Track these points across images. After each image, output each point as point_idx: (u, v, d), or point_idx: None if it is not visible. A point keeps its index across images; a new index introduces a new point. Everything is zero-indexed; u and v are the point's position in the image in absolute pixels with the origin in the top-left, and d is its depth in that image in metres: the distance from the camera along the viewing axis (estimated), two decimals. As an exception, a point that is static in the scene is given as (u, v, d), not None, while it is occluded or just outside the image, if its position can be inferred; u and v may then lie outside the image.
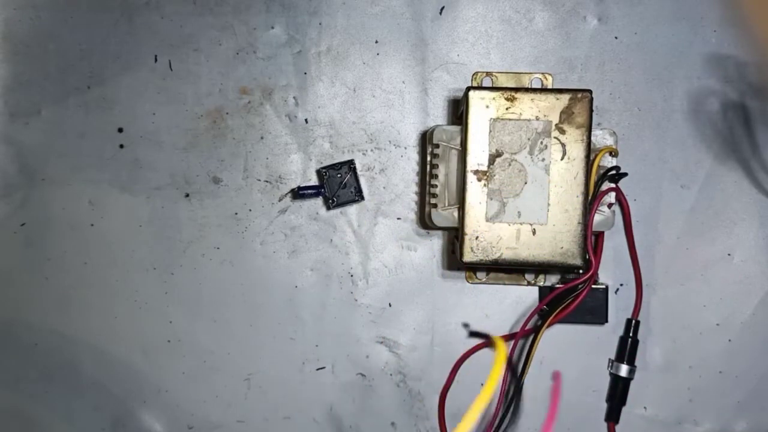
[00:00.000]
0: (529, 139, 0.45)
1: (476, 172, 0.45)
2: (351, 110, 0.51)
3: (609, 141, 0.47)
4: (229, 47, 0.51)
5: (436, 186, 0.47)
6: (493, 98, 0.45)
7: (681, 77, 0.51)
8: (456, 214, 0.47)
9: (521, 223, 0.45)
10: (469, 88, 0.46)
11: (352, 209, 0.52)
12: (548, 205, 0.45)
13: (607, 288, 0.50)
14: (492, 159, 0.45)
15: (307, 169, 0.52)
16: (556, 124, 0.45)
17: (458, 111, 0.49)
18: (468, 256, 0.46)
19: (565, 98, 0.45)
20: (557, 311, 0.48)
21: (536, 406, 0.50)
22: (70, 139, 0.51)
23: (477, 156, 0.45)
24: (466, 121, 0.45)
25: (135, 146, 0.51)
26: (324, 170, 0.51)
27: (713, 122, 0.51)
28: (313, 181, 0.52)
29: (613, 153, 0.47)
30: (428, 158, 0.48)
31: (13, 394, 0.52)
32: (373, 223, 0.52)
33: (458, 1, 0.51)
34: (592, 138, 0.46)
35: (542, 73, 0.50)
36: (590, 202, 0.46)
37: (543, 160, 0.45)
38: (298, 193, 0.51)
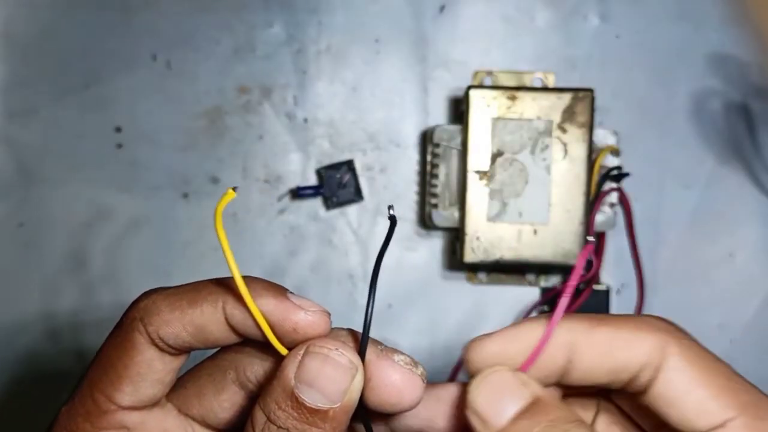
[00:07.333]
0: (530, 138, 0.45)
1: (477, 171, 0.45)
2: (351, 109, 0.51)
3: (611, 140, 0.47)
4: (227, 46, 0.51)
5: (437, 186, 0.47)
6: (494, 97, 0.45)
7: (683, 77, 0.50)
8: (456, 214, 0.47)
9: (522, 223, 0.45)
10: (469, 87, 0.45)
11: (352, 209, 0.51)
12: (550, 205, 0.45)
13: (608, 289, 0.50)
14: (493, 159, 0.45)
15: (306, 168, 0.51)
16: (557, 124, 0.45)
17: (459, 110, 0.48)
18: (469, 257, 0.45)
19: (566, 97, 0.45)
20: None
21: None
22: (68, 139, 0.51)
23: (478, 156, 0.45)
24: (467, 120, 0.45)
25: (133, 146, 0.51)
26: (323, 170, 0.50)
27: (715, 122, 0.50)
28: (313, 181, 0.51)
29: (615, 152, 0.47)
30: (428, 158, 0.48)
31: (11, 395, 0.52)
32: (373, 223, 0.51)
33: (459, -1, 0.51)
34: (594, 137, 0.46)
35: (543, 72, 0.50)
36: (592, 202, 0.45)
37: (544, 159, 0.45)
38: (298, 193, 0.50)
